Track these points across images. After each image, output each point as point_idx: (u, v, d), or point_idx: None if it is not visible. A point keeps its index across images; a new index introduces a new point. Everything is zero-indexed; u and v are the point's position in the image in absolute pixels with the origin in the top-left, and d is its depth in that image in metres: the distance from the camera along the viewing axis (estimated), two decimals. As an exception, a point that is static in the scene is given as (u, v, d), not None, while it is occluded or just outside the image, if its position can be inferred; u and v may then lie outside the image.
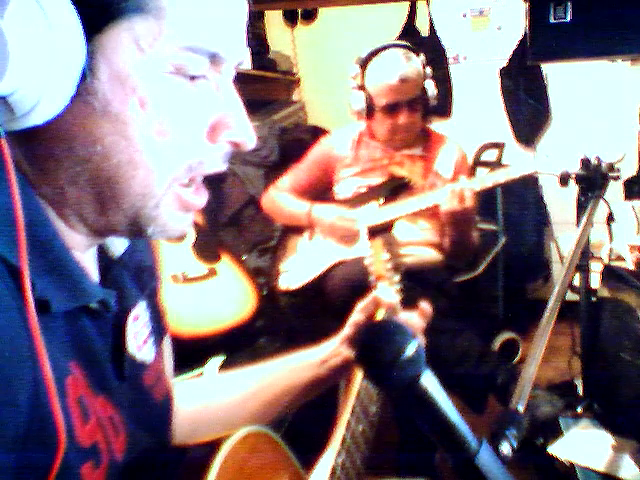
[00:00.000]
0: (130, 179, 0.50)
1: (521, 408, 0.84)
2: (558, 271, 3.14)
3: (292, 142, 2.87)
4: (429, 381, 0.52)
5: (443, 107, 3.34)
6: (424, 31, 3.38)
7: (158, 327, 0.68)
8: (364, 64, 2.08)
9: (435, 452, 1.76)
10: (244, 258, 2.37)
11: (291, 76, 3.63)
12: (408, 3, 3.37)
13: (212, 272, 1.89)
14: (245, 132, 0.55)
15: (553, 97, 3.29)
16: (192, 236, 1.96)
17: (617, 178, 1.57)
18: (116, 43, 0.47)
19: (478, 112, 3.36)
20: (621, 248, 1.96)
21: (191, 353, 1.57)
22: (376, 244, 1.10)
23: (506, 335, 2.77)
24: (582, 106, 3.19)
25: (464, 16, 3.35)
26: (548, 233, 3.28)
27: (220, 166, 0.56)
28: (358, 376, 0.86)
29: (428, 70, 2.09)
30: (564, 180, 1.58)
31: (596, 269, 1.77)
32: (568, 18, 1.87)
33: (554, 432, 1.59)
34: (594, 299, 1.72)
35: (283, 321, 2.12)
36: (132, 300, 0.60)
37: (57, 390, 0.45)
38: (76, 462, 0.48)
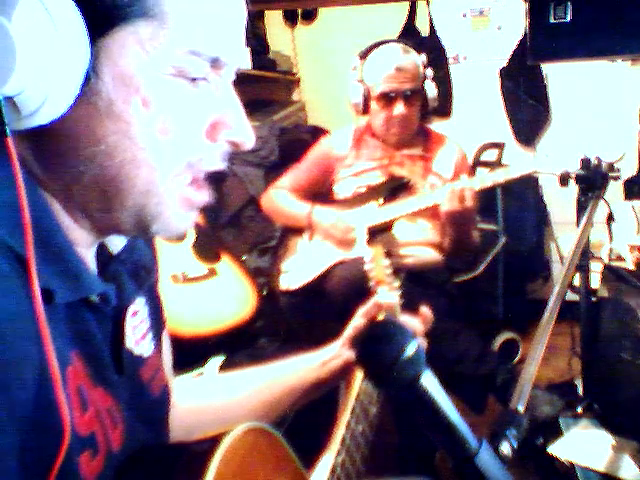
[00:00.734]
0: (134, 177, 0.52)
1: (521, 408, 0.84)
2: (558, 271, 3.14)
3: (292, 142, 2.87)
4: (429, 381, 0.52)
5: (443, 107, 3.34)
6: (424, 31, 3.38)
7: (157, 322, 0.69)
8: (364, 56, 2.10)
9: (435, 452, 1.76)
10: (244, 258, 2.37)
11: (291, 76, 3.63)
12: (408, 3, 3.37)
13: (212, 272, 1.89)
14: (244, 132, 0.57)
15: (553, 97, 3.29)
16: (192, 236, 1.96)
17: (617, 178, 1.57)
18: (120, 46, 0.49)
19: (478, 112, 3.36)
20: (621, 248, 1.96)
21: (191, 353, 1.57)
22: (376, 250, 1.10)
23: (506, 335, 2.77)
24: (582, 106, 3.19)
25: (464, 16, 3.35)
26: (548, 233, 3.28)
27: (218, 164, 0.57)
28: (358, 377, 0.86)
29: (429, 72, 2.09)
30: (564, 180, 1.59)
31: (596, 269, 1.77)
32: (568, 18, 1.87)
33: (554, 432, 1.59)
34: (594, 299, 1.72)
35: (283, 321, 2.12)
36: (130, 296, 0.61)
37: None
38: (74, 450, 0.49)
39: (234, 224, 2.68)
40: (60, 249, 0.51)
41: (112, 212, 0.53)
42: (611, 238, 1.85)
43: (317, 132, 2.93)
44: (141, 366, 0.64)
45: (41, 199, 0.51)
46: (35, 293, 0.45)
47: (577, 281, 1.69)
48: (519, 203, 3.07)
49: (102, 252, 0.60)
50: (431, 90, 2.08)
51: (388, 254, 1.11)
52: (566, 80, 3.21)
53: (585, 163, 1.56)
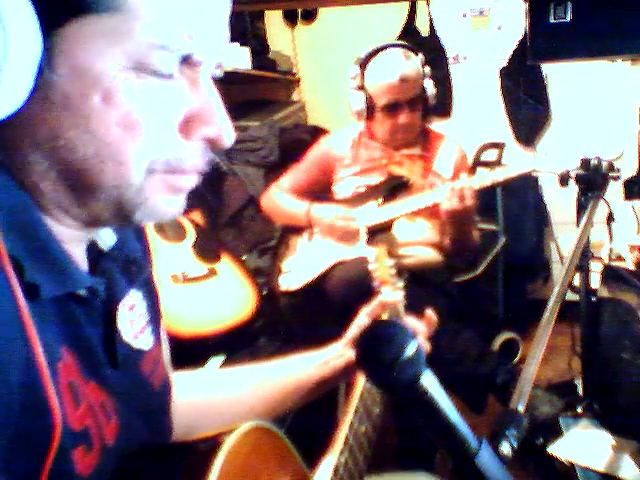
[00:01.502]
0: (99, 172, 0.50)
1: (521, 408, 0.84)
2: (558, 271, 3.14)
3: (292, 142, 2.87)
4: (429, 381, 0.52)
5: (443, 107, 3.34)
6: (424, 31, 3.38)
7: (155, 316, 0.69)
8: (363, 64, 2.08)
9: (435, 452, 1.76)
10: (244, 258, 2.37)
11: (291, 76, 3.63)
12: (408, 3, 3.37)
13: (212, 272, 1.89)
14: (220, 128, 0.54)
15: (553, 97, 3.29)
16: (192, 236, 1.96)
17: (617, 178, 1.57)
18: (77, 38, 0.47)
19: (478, 112, 3.36)
20: (621, 248, 1.96)
21: (191, 353, 1.57)
22: (380, 249, 1.10)
23: (506, 335, 2.77)
24: (582, 106, 3.20)
25: (464, 16, 3.35)
26: (548, 233, 3.28)
27: (201, 165, 0.56)
28: (362, 377, 0.86)
29: (427, 69, 2.09)
30: (564, 180, 1.58)
31: (596, 269, 1.77)
32: (568, 18, 1.87)
33: (554, 432, 1.59)
34: (594, 299, 1.72)
35: (283, 321, 2.12)
36: (122, 290, 0.61)
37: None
38: (68, 445, 0.49)
39: (234, 224, 2.68)
40: (44, 244, 0.50)
41: (87, 206, 0.52)
42: (611, 238, 1.85)
43: (317, 132, 2.93)
44: (141, 360, 0.64)
45: (22, 195, 0.50)
46: (12, 282, 0.44)
47: (577, 281, 1.69)
48: (519, 203, 3.07)
49: (92, 248, 0.60)
50: (430, 88, 2.08)
51: (392, 254, 1.11)
52: (566, 80, 3.21)
53: (585, 163, 1.55)
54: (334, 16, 3.53)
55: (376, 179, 2.12)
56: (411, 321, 0.93)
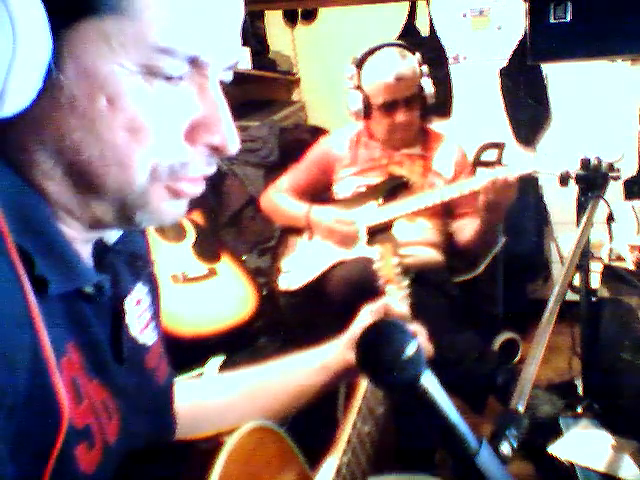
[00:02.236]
0: (104, 175, 0.50)
1: (521, 408, 0.84)
2: (558, 271, 3.14)
3: (292, 142, 2.87)
4: (429, 381, 0.52)
5: (443, 107, 3.34)
6: (424, 31, 3.38)
7: (157, 312, 0.70)
8: (360, 64, 2.08)
9: (435, 452, 1.76)
10: (244, 258, 2.37)
11: (291, 76, 3.63)
12: (408, 3, 3.37)
13: (212, 272, 1.89)
14: (227, 136, 0.54)
15: (553, 97, 3.29)
16: (192, 236, 1.96)
17: (617, 178, 1.57)
18: (84, 40, 0.47)
19: (478, 112, 3.36)
20: (621, 248, 1.96)
21: (191, 353, 1.57)
22: (385, 248, 1.10)
23: (506, 335, 2.77)
24: (582, 106, 3.19)
25: (464, 16, 3.35)
26: (548, 233, 3.28)
27: (205, 170, 0.55)
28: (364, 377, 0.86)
29: (424, 68, 2.09)
30: (564, 180, 1.59)
31: (596, 269, 1.77)
32: (568, 18, 1.87)
33: (554, 432, 1.59)
34: (594, 299, 1.72)
35: (283, 321, 2.12)
36: (127, 285, 0.61)
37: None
38: (71, 442, 0.49)
39: (234, 224, 2.68)
40: (53, 240, 0.51)
41: (90, 207, 0.52)
42: (611, 238, 1.85)
43: (317, 132, 2.93)
44: (146, 354, 0.64)
45: (31, 192, 0.50)
46: (19, 272, 0.44)
47: (577, 281, 1.69)
48: (519, 203, 3.06)
49: (98, 244, 0.60)
50: (428, 87, 2.08)
51: (396, 252, 1.11)
52: (566, 80, 3.21)
53: (585, 163, 1.55)
54: (334, 16, 3.53)
55: (376, 179, 2.12)
56: (415, 327, 0.92)
